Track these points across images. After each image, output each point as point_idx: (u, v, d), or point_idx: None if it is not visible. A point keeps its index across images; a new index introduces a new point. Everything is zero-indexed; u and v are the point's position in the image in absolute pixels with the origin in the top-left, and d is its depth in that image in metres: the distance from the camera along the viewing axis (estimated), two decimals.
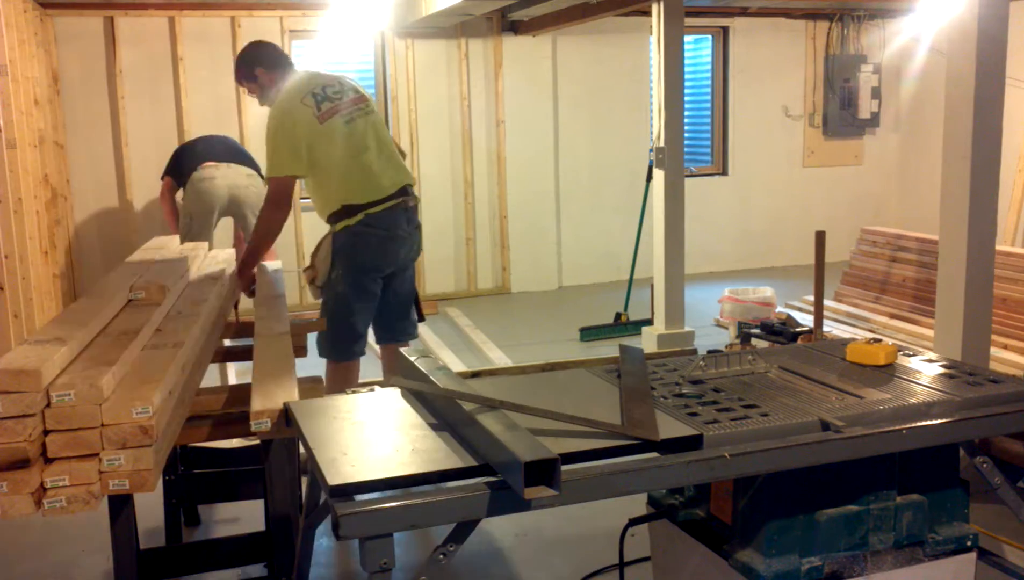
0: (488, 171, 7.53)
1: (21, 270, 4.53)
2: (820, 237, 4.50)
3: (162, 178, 5.98)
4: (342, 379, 3.57)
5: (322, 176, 3.55)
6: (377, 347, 4.00)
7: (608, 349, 5.59)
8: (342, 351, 3.64)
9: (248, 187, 5.77)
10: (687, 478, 1.87)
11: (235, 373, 5.13)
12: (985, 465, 2.14)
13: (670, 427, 1.89)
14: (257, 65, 3.74)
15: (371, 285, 3.63)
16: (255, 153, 6.02)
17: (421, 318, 3.95)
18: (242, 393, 2.47)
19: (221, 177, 5.69)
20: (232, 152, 5.99)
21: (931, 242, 5.36)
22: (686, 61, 6.12)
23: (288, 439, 2.48)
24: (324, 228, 3.67)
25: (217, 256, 3.73)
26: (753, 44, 8.20)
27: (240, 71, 3.81)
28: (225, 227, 6.15)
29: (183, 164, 5.85)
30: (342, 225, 3.54)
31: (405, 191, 3.63)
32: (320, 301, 3.70)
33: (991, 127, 3.45)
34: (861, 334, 5.22)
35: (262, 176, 5.85)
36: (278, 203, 3.53)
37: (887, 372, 2.29)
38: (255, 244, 3.63)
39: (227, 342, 3.48)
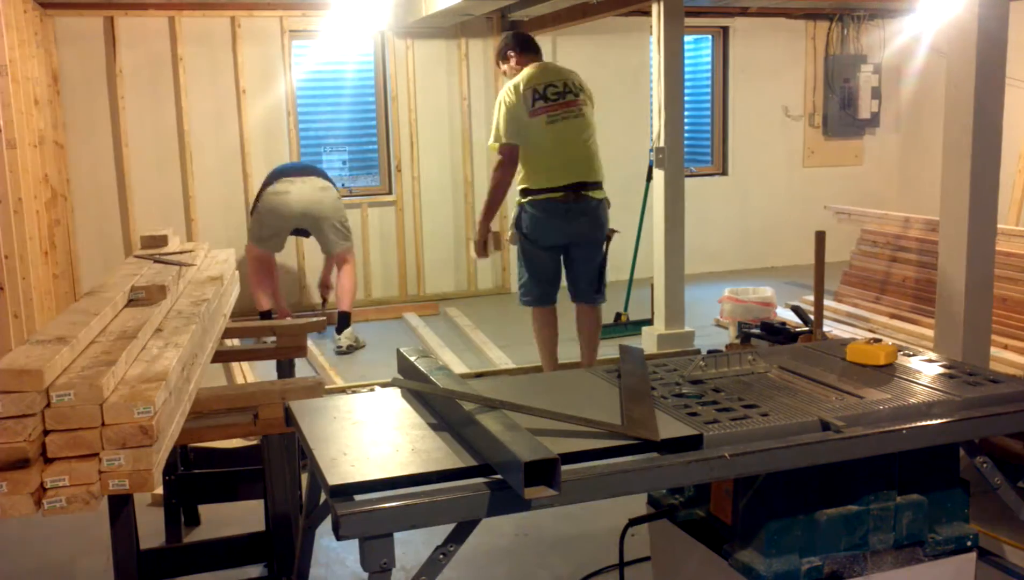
0: (488, 171, 7.50)
1: (21, 270, 4.52)
2: (820, 237, 4.49)
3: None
4: (534, 320, 4.56)
5: (523, 157, 4.37)
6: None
7: (608, 349, 5.58)
8: (522, 298, 4.56)
9: (322, 201, 5.89)
10: (687, 478, 1.87)
11: (252, 373, 5.14)
12: (985, 465, 2.14)
13: (670, 427, 1.89)
14: (509, 49, 4.57)
15: (534, 251, 4.41)
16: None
17: (598, 290, 4.54)
18: (243, 393, 2.47)
19: (296, 192, 5.82)
20: (304, 166, 6.20)
21: (931, 242, 5.36)
22: (686, 61, 6.11)
23: (288, 438, 2.48)
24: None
25: (217, 256, 3.73)
26: (753, 44, 8.19)
27: (499, 53, 4.66)
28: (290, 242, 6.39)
29: (259, 195, 5.99)
30: (518, 202, 4.44)
31: (576, 187, 4.32)
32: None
33: (991, 127, 3.44)
34: (861, 334, 5.22)
35: (336, 186, 6.06)
36: (504, 165, 4.38)
37: (887, 372, 2.29)
38: (487, 202, 4.53)
39: (233, 342, 3.48)
